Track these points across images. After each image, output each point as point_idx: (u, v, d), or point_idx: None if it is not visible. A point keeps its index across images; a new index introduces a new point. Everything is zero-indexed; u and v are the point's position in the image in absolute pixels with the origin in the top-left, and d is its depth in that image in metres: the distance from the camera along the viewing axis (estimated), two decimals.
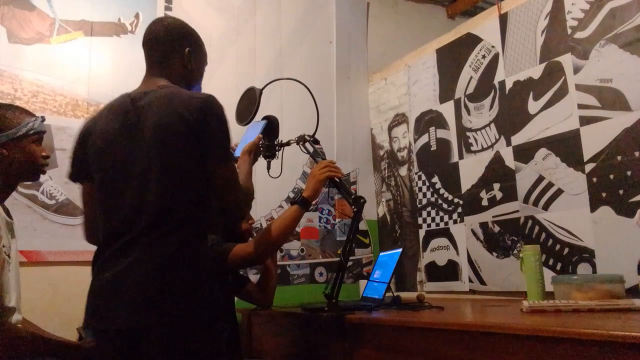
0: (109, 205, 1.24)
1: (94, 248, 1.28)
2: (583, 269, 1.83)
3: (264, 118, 1.75)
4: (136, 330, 1.13)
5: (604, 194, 1.78)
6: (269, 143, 1.73)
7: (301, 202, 1.64)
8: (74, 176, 1.35)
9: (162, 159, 1.20)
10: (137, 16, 2.47)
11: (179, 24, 1.39)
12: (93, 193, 1.29)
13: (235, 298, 2.05)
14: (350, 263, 2.76)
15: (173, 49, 1.35)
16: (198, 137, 1.21)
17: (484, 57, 2.31)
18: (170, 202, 1.19)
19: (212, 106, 1.24)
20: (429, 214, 2.57)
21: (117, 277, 1.15)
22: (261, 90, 1.70)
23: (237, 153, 1.58)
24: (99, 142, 1.27)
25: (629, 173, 1.71)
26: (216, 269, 1.31)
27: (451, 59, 2.50)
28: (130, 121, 1.25)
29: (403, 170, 2.79)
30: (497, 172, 2.20)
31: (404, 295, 2.17)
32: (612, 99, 1.77)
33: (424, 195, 2.60)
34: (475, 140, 2.33)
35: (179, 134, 1.20)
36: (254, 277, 2.31)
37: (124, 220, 1.20)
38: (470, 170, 2.35)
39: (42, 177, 1.62)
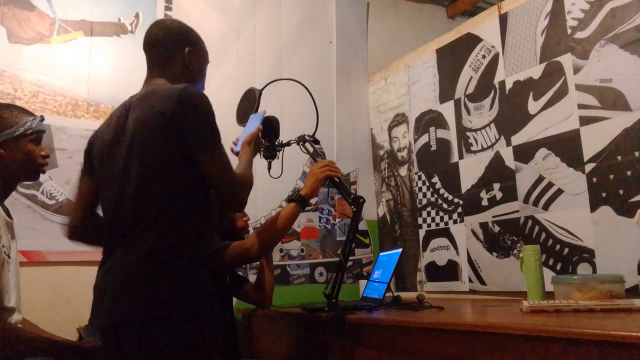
0: (104, 207, 1.30)
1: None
2: (583, 269, 1.83)
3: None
4: (117, 326, 1.16)
5: (604, 194, 1.78)
6: (269, 143, 1.73)
7: (299, 200, 1.64)
8: (83, 171, 1.41)
9: (140, 156, 1.20)
10: (137, 16, 2.47)
11: (177, 25, 1.40)
12: (86, 188, 1.37)
13: (235, 299, 2.05)
14: (350, 263, 2.76)
15: (173, 49, 1.36)
16: (177, 129, 1.19)
17: (484, 57, 2.31)
18: (146, 199, 1.19)
19: (188, 95, 1.21)
20: (429, 214, 2.57)
21: (104, 277, 1.21)
22: (261, 91, 1.70)
23: (238, 147, 1.58)
24: (99, 149, 1.33)
25: (629, 173, 1.71)
26: (211, 267, 1.29)
27: (451, 59, 2.50)
28: (120, 125, 1.28)
29: (403, 170, 2.79)
30: (497, 172, 2.20)
31: (404, 295, 2.17)
32: (612, 99, 1.77)
33: (424, 195, 2.60)
34: (475, 140, 2.33)
35: (156, 129, 1.19)
36: (253, 277, 2.30)
37: (112, 220, 1.24)
38: (470, 170, 2.35)
39: (42, 177, 1.62)
